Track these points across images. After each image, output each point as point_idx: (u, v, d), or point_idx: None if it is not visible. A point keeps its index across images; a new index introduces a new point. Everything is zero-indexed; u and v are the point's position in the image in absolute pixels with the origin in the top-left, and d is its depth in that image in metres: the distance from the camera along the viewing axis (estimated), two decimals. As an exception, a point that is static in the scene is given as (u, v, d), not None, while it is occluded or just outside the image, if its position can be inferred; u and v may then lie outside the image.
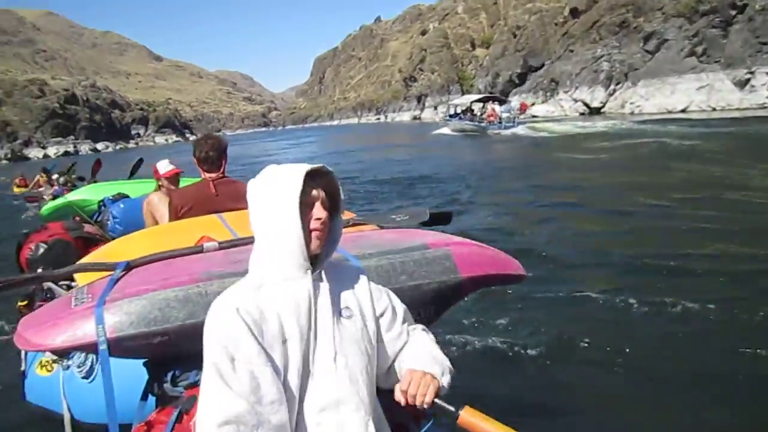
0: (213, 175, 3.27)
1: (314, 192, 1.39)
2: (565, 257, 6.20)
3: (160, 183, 4.54)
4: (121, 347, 1.66)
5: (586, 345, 3.94)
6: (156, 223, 3.95)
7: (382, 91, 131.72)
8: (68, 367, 3.03)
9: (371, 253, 1.99)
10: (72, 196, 6.71)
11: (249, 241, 2.24)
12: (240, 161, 25.95)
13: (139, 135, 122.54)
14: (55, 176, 14.20)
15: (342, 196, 1.47)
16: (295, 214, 1.35)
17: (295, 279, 1.39)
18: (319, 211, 1.39)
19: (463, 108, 38.76)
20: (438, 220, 3.08)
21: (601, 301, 4.67)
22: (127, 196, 5.68)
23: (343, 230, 2.70)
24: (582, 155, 17.49)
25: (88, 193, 6.62)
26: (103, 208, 5.83)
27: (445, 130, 38.11)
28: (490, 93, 49.89)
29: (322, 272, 1.44)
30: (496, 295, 4.58)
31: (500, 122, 32.40)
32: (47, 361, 3.15)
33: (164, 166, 4.51)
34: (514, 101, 41.92)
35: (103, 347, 1.61)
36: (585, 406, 3.34)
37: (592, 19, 50.95)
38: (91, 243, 4.70)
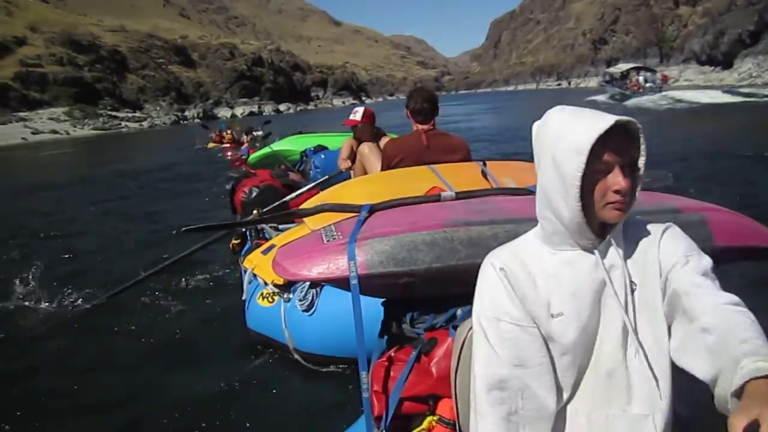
0: (425, 126, 3.32)
1: (608, 157, 1.14)
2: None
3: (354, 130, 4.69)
4: (369, 284, 1.71)
5: None
6: (365, 172, 4.09)
7: (564, 55, 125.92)
8: (289, 299, 3.26)
9: None
10: (276, 146, 7.27)
11: (485, 193, 2.30)
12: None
13: (318, 97, 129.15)
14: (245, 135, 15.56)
15: (644, 156, 1.20)
16: (575, 194, 1.15)
17: (577, 251, 1.24)
18: (617, 180, 1.14)
19: (617, 76, 42.43)
20: None
21: None
22: (326, 148, 6.05)
23: None
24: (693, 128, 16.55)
25: (291, 144, 7.12)
26: (305, 158, 6.30)
27: (600, 97, 40.20)
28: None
29: (612, 239, 1.22)
30: (751, 271, 3.83)
31: (642, 91, 35.96)
32: (268, 293, 3.41)
33: (350, 115, 4.70)
34: (658, 73, 44.16)
35: (354, 282, 1.67)
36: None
37: None
38: (295, 189, 5.10)
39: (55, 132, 47.03)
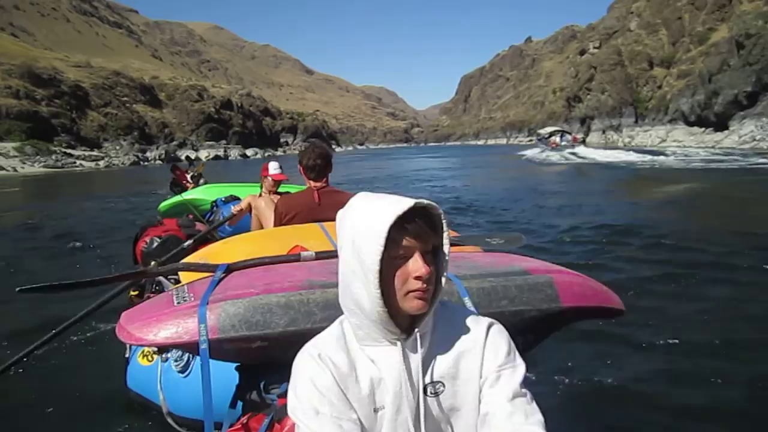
0: (318, 183, 3.39)
1: (407, 242, 1.11)
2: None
3: (264, 182, 4.78)
4: (220, 349, 1.69)
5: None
6: (261, 226, 4.23)
7: (534, 112, 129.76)
8: (167, 359, 3.13)
9: (472, 274, 1.98)
10: (187, 195, 7.22)
11: None
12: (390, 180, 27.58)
13: (287, 143, 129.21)
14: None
15: (447, 242, 1.18)
16: (374, 279, 1.11)
17: (383, 346, 1.19)
18: (417, 266, 1.11)
19: (546, 135, 54.61)
20: None
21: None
22: (238, 199, 5.99)
23: None
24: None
25: (203, 193, 7.13)
26: (215, 208, 6.30)
27: (529, 152, 51.64)
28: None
29: (419, 335, 1.18)
30: (591, 329, 4.40)
31: (558, 148, 47.19)
32: (149, 351, 3.29)
33: (274, 168, 4.75)
34: (571, 135, 55.64)
35: (204, 347, 1.65)
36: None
37: None
38: (201, 241, 4.95)
39: (1, 168, 45.31)
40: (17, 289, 2.33)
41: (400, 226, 1.09)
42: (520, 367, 1.21)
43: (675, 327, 4.59)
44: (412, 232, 1.11)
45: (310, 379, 1.16)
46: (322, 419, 1.12)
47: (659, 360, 4.09)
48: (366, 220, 1.12)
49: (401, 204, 1.10)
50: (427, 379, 1.18)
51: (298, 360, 1.21)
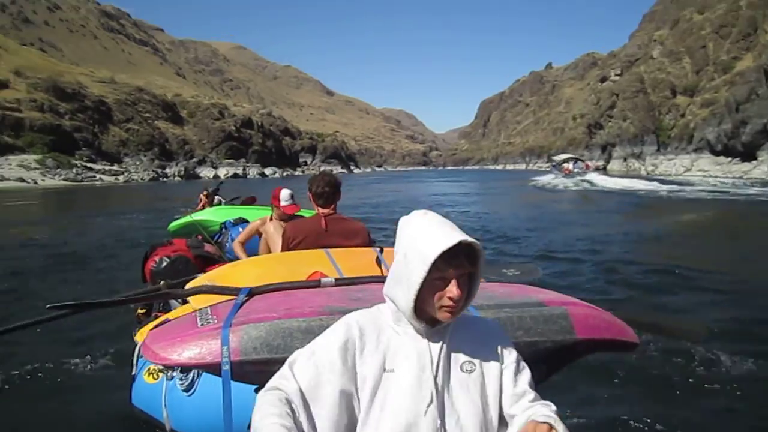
0: (326, 210, 3.47)
1: (451, 271, 1.34)
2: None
3: (274, 210, 4.66)
4: (242, 371, 1.74)
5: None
6: (269, 250, 4.31)
7: (554, 138, 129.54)
8: (172, 378, 3.13)
9: (488, 305, 2.03)
10: (197, 216, 7.28)
11: (364, 280, 2.47)
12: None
13: (306, 163, 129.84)
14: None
15: (481, 271, 1.42)
16: (413, 294, 1.35)
17: (411, 330, 1.43)
18: (452, 290, 1.34)
19: (560, 162, 57.68)
20: None
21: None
22: (246, 221, 6.09)
23: None
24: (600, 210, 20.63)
25: (212, 215, 7.21)
26: (224, 230, 6.33)
27: (542, 178, 52.14)
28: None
29: (443, 330, 1.44)
30: (605, 362, 4.27)
31: (571, 174, 49.71)
32: (154, 369, 3.28)
33: (286, 198, 4.54)
34: (583, 162, 59.00)
35: (226, 368, 1.70)
36: None
37: None
38: (209, 262, 5.11)
39: (22, 180, 46.12)
40: (47, 306, 2.43)
41: (446, 257, 1.30)
42: (527, 367, 1.50)
43: (688, 361, 4.45)
44: (454, 263, 1.33)
45: (330, 335, 1.42)
46: (309, 361, 1.37)
47: (677, 398, 3.93)
48: (419, 244, 1.34)
49: (449, 239, 1.31)
50: (461, 359, 1.43)
51: (336, 324, 1.46)
